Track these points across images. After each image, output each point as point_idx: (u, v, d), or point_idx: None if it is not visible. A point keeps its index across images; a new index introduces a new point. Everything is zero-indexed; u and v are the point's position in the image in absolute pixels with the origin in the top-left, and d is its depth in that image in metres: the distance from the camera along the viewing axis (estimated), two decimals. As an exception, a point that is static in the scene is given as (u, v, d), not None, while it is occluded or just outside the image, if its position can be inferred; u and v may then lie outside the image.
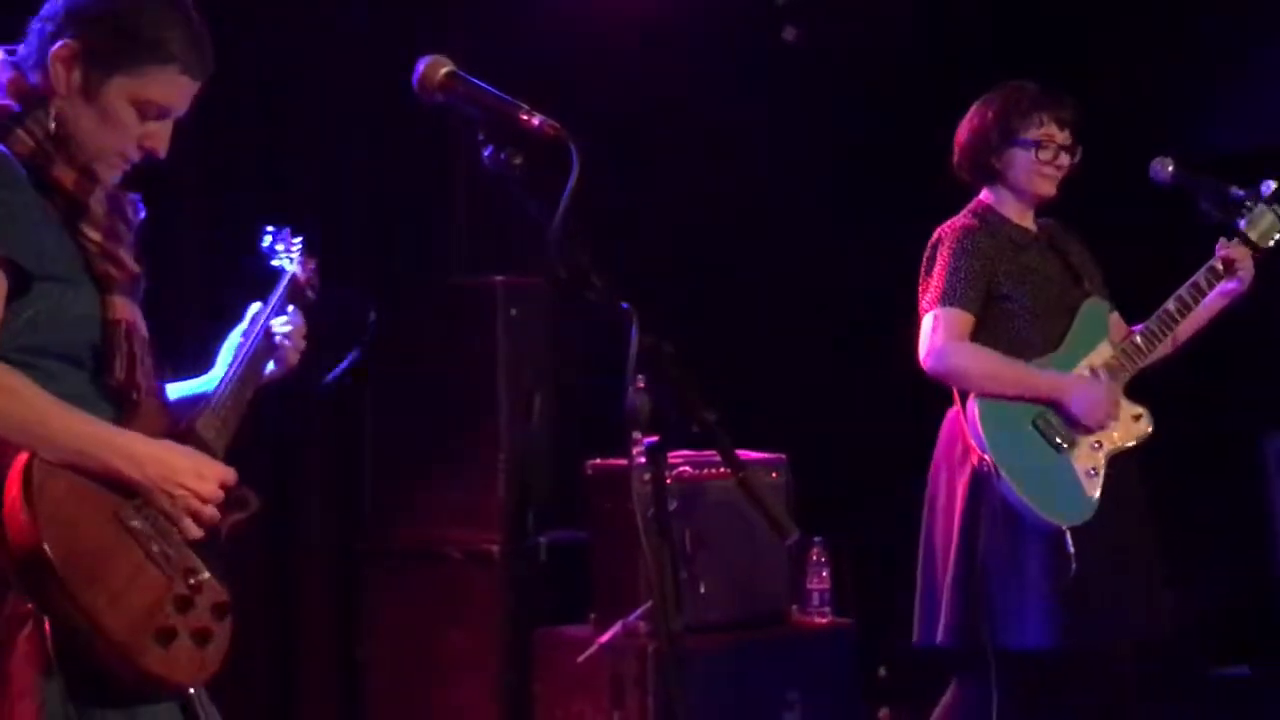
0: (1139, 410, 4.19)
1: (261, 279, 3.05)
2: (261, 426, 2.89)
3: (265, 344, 2.89)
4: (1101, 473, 4.09)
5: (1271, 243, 4.22)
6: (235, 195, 5.16)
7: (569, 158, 2.36)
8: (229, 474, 2.62)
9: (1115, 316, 4.33)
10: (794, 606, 5.23)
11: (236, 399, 2.76)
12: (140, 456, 2.50)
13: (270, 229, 3.15)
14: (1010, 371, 4.12)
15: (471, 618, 5.18)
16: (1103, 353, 4.20)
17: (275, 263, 3.10)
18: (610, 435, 4.10)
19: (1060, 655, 4.07)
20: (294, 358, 2.93)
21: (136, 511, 2.49)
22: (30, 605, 2.37)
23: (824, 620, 5.24)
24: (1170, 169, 4.20)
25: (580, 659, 4.83)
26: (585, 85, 5.66)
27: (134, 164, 2.62)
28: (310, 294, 3.08)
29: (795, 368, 6.27)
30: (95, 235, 2.56)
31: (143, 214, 2.69)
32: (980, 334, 4.16)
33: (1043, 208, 4.32)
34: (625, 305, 2.36)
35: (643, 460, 2.43)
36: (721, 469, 4.42)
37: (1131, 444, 4.16)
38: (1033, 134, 4.20)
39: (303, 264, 3.10)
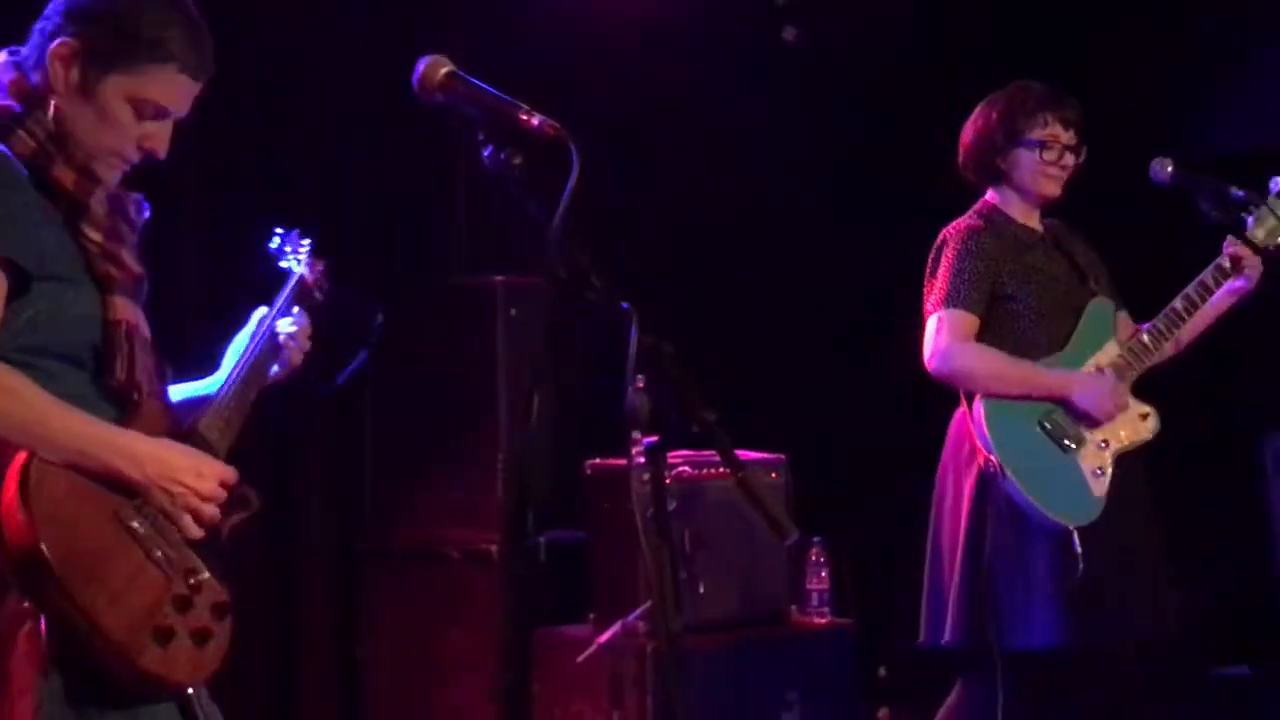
0: (1146, 409, 4.17)
1: (263, 279, 3.06)
2: (262, 427, 2.89)
3: (270, 345, 2.89)
4: (1108, 472, 4.08)
5: (1277, 242, 4.20)
6: (235, 195, 5.17)
7: (569, 158, 2.36)
8: (229, 473, 2.62)
9: (1124, 316, 4.31)
10: (793, 606, 5.22)
11: (240, 400, 2.77)
12: (140, 455, 2.50)
13: (279, 230, 3.16)
14: (1015, 371, 4.12)
15: (471, 618, 5.17)
16: (1109, 352, 4.19)
17: (283, 264, 3.11)
18: (610, 435, 4.08)
19: (1067, 655, 4.07)
20: (298, 359, 2.94)
21: (136, 511, 2.49)
22: (29, 604, 2.37)
23: (823, 620, 5.23)
24: (1170, 169, 4.18)
25: (580, 659, 4.82)
26: (585, 85, 5.66)
27: (134, 164, 2.62)
28: (318, 295, 3.08)
29: (795, 368, 6.27)
30: (96, 235, 2.56)
31: (147, 214, 2.69)
32: (986, 334, 4.16)
33: (1048, 208, 4.31)
34: (625, 305, 2.36)
35: (642, 460, 2.42)
36: (721, 469, 4.39)
37: (1139, 443, 4.15)
38: (1038, 134, 4.19)
39: (311, 266, 3.10)
